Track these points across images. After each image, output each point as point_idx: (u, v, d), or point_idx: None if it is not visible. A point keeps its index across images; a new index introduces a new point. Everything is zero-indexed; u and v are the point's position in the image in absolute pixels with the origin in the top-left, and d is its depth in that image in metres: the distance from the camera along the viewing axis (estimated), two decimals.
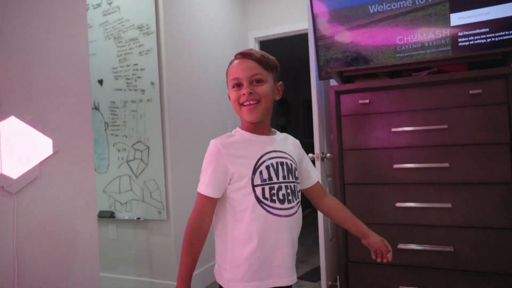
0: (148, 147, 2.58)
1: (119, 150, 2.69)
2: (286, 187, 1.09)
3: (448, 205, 1.92)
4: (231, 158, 1.07)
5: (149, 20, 2.55)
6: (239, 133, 1.15)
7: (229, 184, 1.08)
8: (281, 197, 1.08)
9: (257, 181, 1.06)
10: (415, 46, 2.20)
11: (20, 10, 1.46)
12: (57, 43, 1.60)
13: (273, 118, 7.04)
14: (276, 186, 1.07)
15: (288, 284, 1.09)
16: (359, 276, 2.13)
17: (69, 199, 1.61)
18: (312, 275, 2.91)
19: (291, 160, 1.14)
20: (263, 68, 1.09)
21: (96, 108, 2.76)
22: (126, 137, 2.66)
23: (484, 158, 1.87)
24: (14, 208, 1.37)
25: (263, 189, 1.06)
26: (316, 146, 2.57)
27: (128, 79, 2.65)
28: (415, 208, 2.00)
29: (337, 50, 2.44)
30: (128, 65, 2.64)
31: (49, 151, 1.51)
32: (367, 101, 2.11)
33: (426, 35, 2.18)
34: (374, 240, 1.22)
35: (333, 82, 2.65)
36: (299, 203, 1.15)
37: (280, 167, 1.10)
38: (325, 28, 2.46)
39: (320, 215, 2.58)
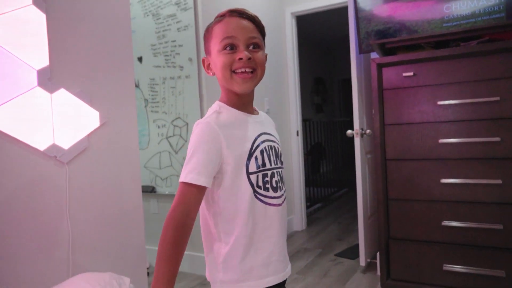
0: (187, 123, 2.62)
1: (159, 127, 2.75)
2: (277, 173, 0.98)
3: (498, 181, 1.83)
4: (228, 140, 0.91)
5: None
6: (226, 110, 0.97)
7: (218, 172, 0.92)
8: (274, 184, 0.96)
9: (252, 167, 0.93)
10: (464, 14, 2.08)
11: None
12: (101, 19, 1.63)
13: (308, 96, 6.94)
14: (269, 172, 0.96)
15: (285, 278, 1.00)
16: (401, 253, 2.09)
17: (116, 170, 1.66)
18: (350, 252, 2.90)
19: (277, 143, 1.03)
20: (259, 32, 0.96)
21: (136, 85, 2.82)
22: (166, 113, 2.71)
23: None
24: (66, 177, 1.43)
25: (257, 177, 0.93)
26: (355, 122, 2.51)
27: (166, 55, 2.67)
28: (461, 185, 1.93)
29: (379, 22, 2.35)
30: (166, 42, 2.66)
31: (97, 123, 1.56)
32: (411, 73, 2.03)
33: (477, 2, 2.04)
34: None
35: (373, 57, 2.56)
36: (285, 191, 1.04)
37: (271, 151, 0.98)
38: None
39: (359, 193, 2.54)
